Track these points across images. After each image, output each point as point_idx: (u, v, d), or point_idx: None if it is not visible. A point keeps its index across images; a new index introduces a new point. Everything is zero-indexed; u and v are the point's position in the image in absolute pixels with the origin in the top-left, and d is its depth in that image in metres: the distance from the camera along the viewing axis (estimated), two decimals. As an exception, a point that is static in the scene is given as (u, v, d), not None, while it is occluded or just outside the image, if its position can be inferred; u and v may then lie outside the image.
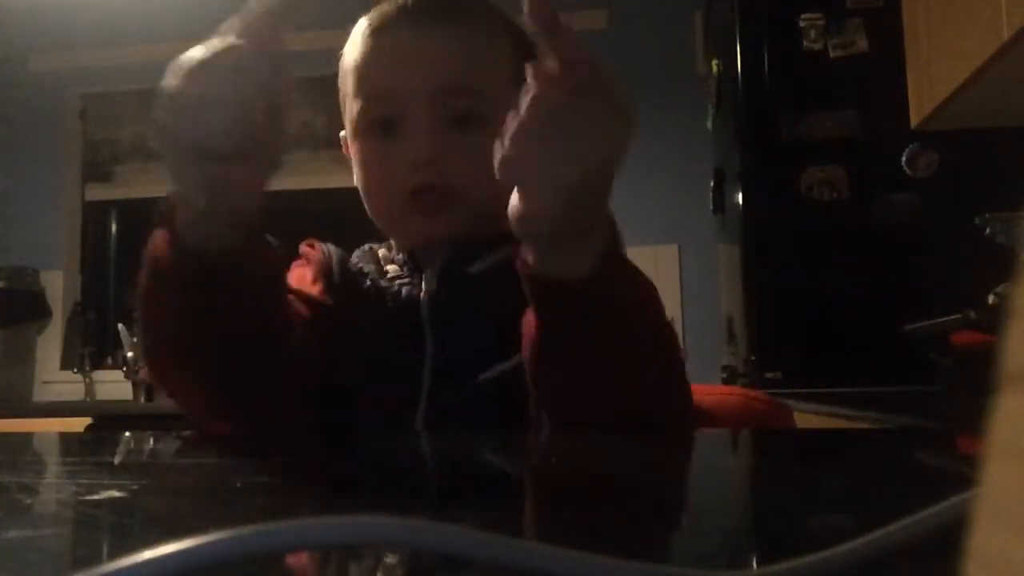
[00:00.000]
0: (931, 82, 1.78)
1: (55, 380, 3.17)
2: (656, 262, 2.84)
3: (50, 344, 3.19)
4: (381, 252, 0.81)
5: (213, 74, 0.53)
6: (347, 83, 0.78)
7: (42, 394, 3.15)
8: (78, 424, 2.41)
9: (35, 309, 3.12)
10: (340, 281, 0.78)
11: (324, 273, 0.78)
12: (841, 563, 0.20)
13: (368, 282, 0.78)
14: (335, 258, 0.80)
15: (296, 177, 3.11)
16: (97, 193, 3.39)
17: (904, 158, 1.91)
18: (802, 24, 1.98)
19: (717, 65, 2.39)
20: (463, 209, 0.73)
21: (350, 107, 0.77)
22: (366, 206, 0.79)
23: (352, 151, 0.79)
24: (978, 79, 1.61)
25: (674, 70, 2.94)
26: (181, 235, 0.58)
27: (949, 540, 0.15)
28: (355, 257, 0.82)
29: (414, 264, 0.77)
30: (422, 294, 0.74)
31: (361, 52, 0.76)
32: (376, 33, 0.75)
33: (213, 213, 0.57)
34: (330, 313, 0.75)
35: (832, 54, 1.96)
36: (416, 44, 0.74)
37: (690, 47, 2.92)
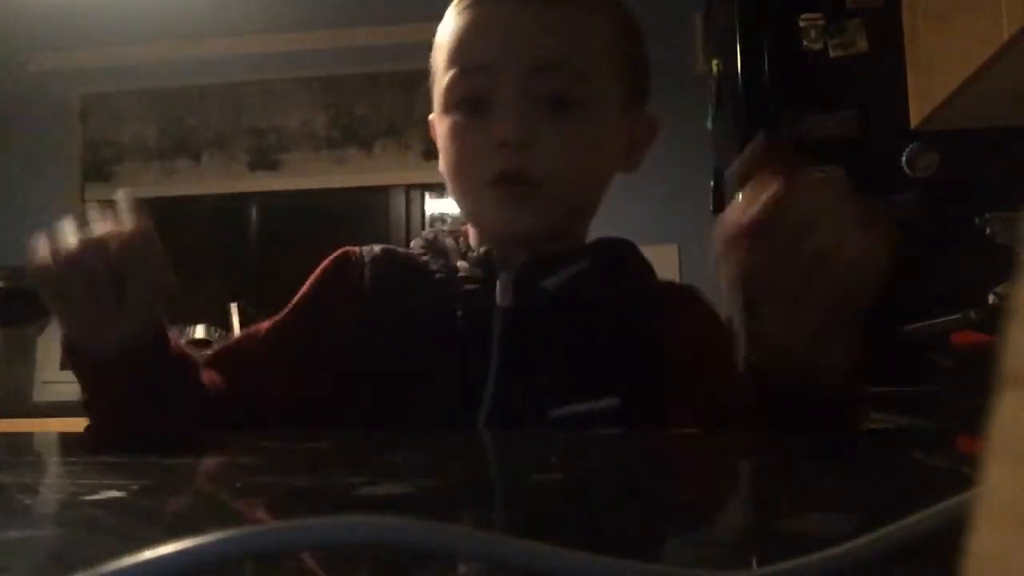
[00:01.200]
0: (931, 82, 1.78)
1: (55, 380, 3.17)
2: (656, 262, 2.83)
3: (50, 344, 3.19)
4: (448, 242, 0.77)
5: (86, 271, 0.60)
6: (438, 59, 0.75)
7: (42, 394, 3.15)
8: (78, 424, 2.40)
9: (35, 309, 3.10)
10: (375, 287, 0.74)
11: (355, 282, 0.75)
12: (841, 563, 0.20)
13: (436, 277, 0.74)
14: (368, 264, 0.76)
15: (296, 177, 3.11)
16: (97, 193, 3.39)
17: (904, 158, 1.91)
18: (802, 24, 1.98)
19: (717, 65, 2.39)
20: (547, 199, 0.70)
21: (439, 82, 0.74)
22: (449, 188, 0.76)
23: (439, 130, 0.75)
24: (978, 79, 1.61)
25: (674, 70, 2.93)
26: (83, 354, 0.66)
27: (949, 540, 0.15)
28: (418, 247, 0.78)
29: (489, 266, 0.73)
30: (495, 307, 0.70)
31: (454, 26, 0.73)
32: (470, 7, 0.73)
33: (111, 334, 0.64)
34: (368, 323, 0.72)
35: (832, 54, 1.96)
36: (510, 17, 0.71)
37: (690, 47, 2.92)
